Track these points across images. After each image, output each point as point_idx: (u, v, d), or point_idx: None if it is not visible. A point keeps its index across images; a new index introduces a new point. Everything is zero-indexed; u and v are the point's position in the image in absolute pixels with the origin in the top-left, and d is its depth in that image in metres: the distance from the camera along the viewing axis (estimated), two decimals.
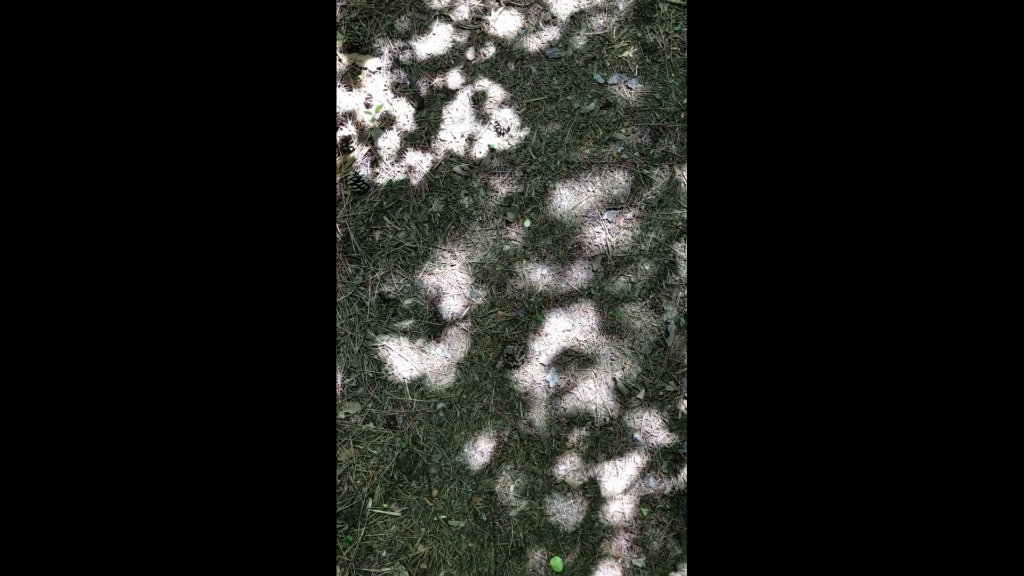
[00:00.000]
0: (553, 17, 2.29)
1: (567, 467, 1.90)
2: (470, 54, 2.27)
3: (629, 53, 2.23)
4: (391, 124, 2.23)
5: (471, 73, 2.26)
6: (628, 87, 2.20)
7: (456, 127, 2.20)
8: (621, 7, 2.28)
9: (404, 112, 2.23)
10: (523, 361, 1.99)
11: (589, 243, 2.07)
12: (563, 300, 2.03)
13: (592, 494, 1.88)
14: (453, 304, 2.05)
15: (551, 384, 1.97)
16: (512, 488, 1.90)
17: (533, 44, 2.26)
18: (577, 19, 2.28)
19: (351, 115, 2.23)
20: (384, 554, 1.87)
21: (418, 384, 2.00)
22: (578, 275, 2.05)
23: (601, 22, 2.27)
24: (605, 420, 1.93)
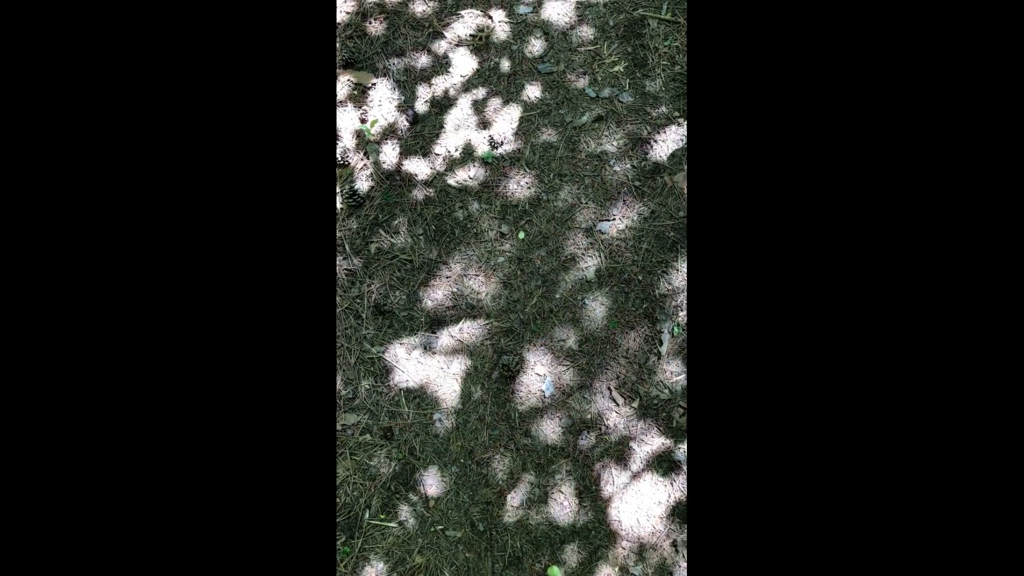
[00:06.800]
0: (545, 33, 2.33)
1: (563, 476, 1.91)
2: (464, 69, 2.31)
3: (620, 68, 2.27)
4: (386, 138, 2.25)
5: (465, 88, 2.29)
6: (619, 101, 2.24)
7: (450, 141, 2.23)
8: (611, 23, 2.32)
9: (399, 126, 2.26)
10: (518, 371, 2.00)
11: (583, 254, 2.10)
12: (558, 310, 2.05)
13: (588, 503, 1.89)
14: (449, 315, 2.06)
15: (547, 394, 1.98)
16: (509, 497, 1.90)
17: (526, 59, 2.30)
18: (568, 35, 2.32)
19: (347, 129, 2.26)
20: (381, 566, 1.86)
21: (414, 395, 2.00)
22: (572, 285, 2.07)
23: (592, 38, 2.31)
24: (600, 429, 1.94)
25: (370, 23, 2.38)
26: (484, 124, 2.24)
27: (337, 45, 2.35)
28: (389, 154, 2.23)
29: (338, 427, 1.98)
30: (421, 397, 2.00)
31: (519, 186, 2.17)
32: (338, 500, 1.92)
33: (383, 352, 2.04)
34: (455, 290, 2.09)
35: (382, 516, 1.91)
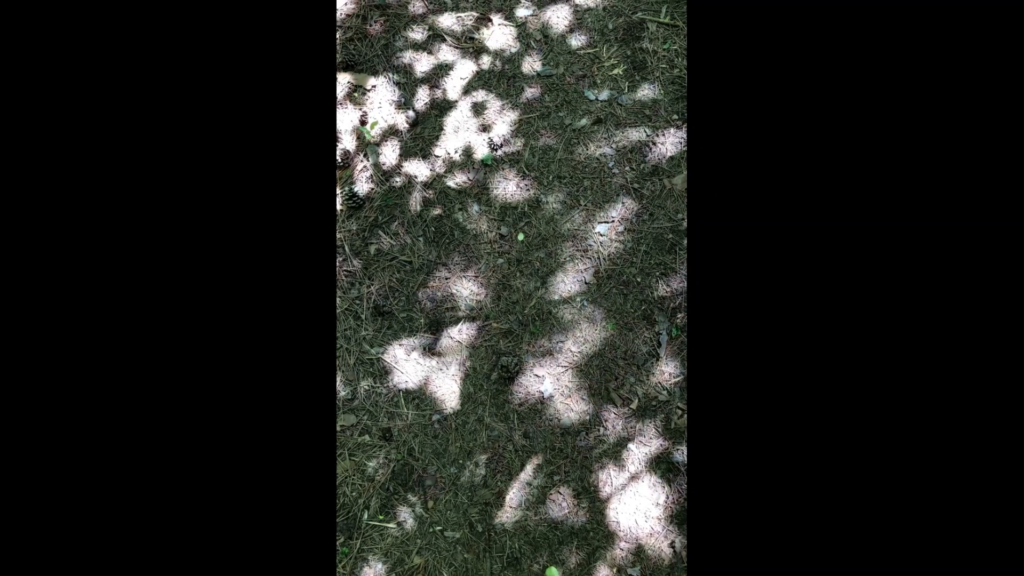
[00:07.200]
0: (545, 36, 2.34)
1: (561, 477, 1.92)
2: (464, 71, 2.32)
3: (619, 71, 2.28)
4: (386, 140, 2.26)
5: (465, 90, 2.30)
6: (618, 104, 2.25)
7: (450, 143, 2.24)
8: (611, 26, 2.33)
9: (399, 128, 2.27)
10: (517, 372, 2.01)
11: (581, 256, 2.10)
12: (557, 312, 2.05)
13: (587, 504, 1.89)
14: (448, 317, 2.07)
15: (545, 395, 1.99)
16: (507, 498, 1.91)
17: (526, 62, 2.31)
18: (568, 38, 2.33)
19: (347, 131, 2.27)
20: (380, 566, 1.87)
21: (414, 396, 2.01)
22: (571, 287, 2.08)
23: (591, 41, 2.32)
24: (599, 430, 1.95)
25: (370, 25, 2.39)
26: (484, 126, 2.25)
27: (337, 47, 2.35)
28: (389, 156, 2.24)
29: (337, 428, 1.99)
30: (420, 398, 2.01)
31: (518, 188, 2.18)
32: (337, 501, 1.93)
33: (382, 353, 2.05)
34: (454, 291, 2.09)
35: (380, 517, 1.91)
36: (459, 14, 2.39)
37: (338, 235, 2.16)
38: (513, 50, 2.33)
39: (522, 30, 2.35)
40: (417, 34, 2.37)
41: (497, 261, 2.11)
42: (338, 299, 2.10)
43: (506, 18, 2.37)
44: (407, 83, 2.31)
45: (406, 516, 1.91)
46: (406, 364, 2.03)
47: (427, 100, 2.29)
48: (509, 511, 1.90)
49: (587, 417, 1.96)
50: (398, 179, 2.21)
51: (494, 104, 2.27)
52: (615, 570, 1.83)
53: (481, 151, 2.22)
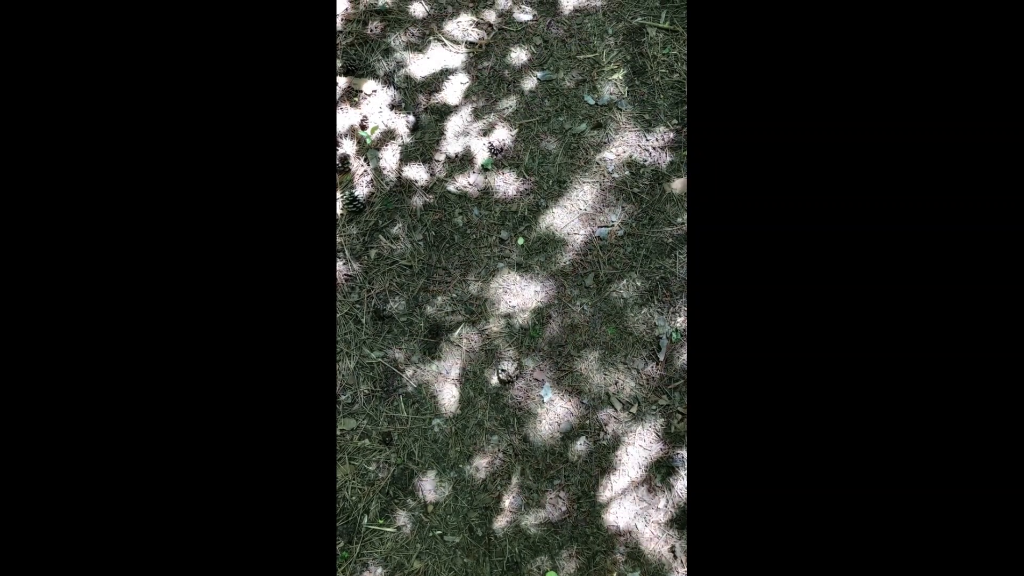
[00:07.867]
0: (544, 40, 2.34)
1: (561, 481, 1.91)
2: (464, 76, 2.32)
3: (619, 75, 2.29)
4: (386, 144, 2.27)
5: (465, 95, 2.30)
6: (618, 108, 2.25)
7: (450, 147, 2.24)
8: (610, 31, 2.34)
9: (399, 133, 2.27)
10: (517, 376, 2.01)
11: (581, 260, 2.10)
12: (556, 316, 2.06)
13: (587, 508, 1.89)
14: (448, 321, 2.07)
15: (545, 399, 1.99)
16: (507, 503, 1.91)
17: (525, 66, 2.32)
18: (568, 43, 2.34)
19: (347, 136, 2.27)
20: (380, 571, 1.87)
21: (413, 400, 2.01)
22: (571, 291, 2.08)
23: (591, 45, 2.33)
24: (599, 434, 1.95)
25: (370, 30, 2.39)
26: (483, 131, 2.26)
27: (337, 52, 2.36)
28: (389, 160, 2.25)
29: (337, 432, 1.99)
30: (420, 402, 2.01)
31: (518, 192, 2.18)
32: (337, 505, 1.93)
33: (382, 357, 2.05)
34: (454, 296, 2.09)
35: (380, 521, 1.91)
36: (459, 19, 2.39)
37: (338, 239, 2.17)
38: (513, 54, 2.33)
39: (522, 35, 2.36)
40: (417, 39, 2.38)
41: (497, 265, 2.11)
42: (338, 303, 2.11)
43: (506, 23, 2.38)
44: (407, 88, 2.32)
45: (406, 520, 1.90)
46: (406, 368, 2.03)
47: (427, 105, 2.30)
48: (509, 515, 1.89)
49: (587, 421, 1.96)
50: (398, 183, 2.22)
51: (494, 108, 2.28)
52: (615, 574, 1.83)
53: (481, 155, 2.23)
